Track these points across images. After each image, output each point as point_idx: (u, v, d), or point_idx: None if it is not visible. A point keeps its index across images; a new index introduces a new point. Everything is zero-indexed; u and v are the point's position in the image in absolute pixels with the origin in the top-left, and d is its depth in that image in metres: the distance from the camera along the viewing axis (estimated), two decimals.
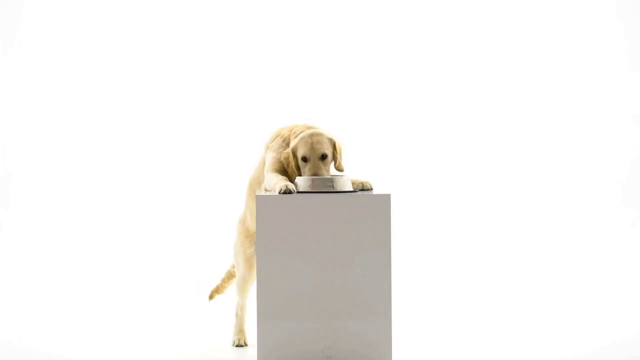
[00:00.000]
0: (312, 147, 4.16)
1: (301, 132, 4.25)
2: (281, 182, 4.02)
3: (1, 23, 6.94)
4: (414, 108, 7.11)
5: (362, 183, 4.14)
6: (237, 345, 4.58)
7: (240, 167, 5.43)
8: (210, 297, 4.88)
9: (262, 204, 3.92)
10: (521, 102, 7.13)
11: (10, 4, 6.95)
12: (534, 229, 6.91)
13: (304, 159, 4.17)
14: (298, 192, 4.00)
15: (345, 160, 4.32)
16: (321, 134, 4.20)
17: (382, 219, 3.93)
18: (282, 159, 4.24)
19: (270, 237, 3.92)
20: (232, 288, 4.78)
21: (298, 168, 4.20)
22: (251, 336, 4.54)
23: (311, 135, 4.19)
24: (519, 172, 7.08)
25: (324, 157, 4.17)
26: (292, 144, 4.22)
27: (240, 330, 4.63)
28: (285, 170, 4.23)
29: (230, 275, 4.80)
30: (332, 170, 4.29)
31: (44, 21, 6.97)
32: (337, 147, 4.23)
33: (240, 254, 4.51)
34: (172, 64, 7.04)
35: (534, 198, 7.04)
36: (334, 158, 4.24)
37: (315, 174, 4.13)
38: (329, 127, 4.31)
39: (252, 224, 4.43)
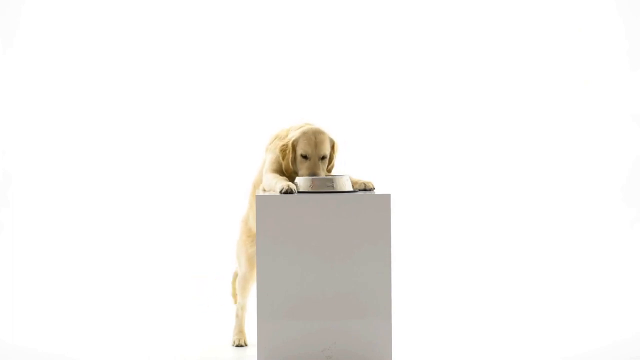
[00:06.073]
0: (315, 146, 4.15)
1: (301, 127, 4.24)
2: (282, 182, 4.02)
3: (1, 23, 6.94)
4: (413, 108, 7.11)
5: (364, 183, 4.13)
6: (237, 345, 4.58)
7: (243, 166, 5.44)
8: (235, 299, 4.72)
9: (262, 204, 3.92)
10: (521, 102, 7.13)
11: (10, 4, 6.95)
12: (534, 229, 6.91)
13: (304, 157, 4.16)
14: (298, 192, 4.00)
15: (338, 160, 4.32)
16: (324, 133, 4.19)
17: (382, 219, 3.93)
18: (279, 151, 4.21)
19: (270, 237, 3.92)
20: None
21: (294, 162, 4.19)
22: (251, 336, 4.54)
23: (314, 133, 4.17)
24: (519, 172, 7.08)
25: (323, 157, 4.18)
26: (291, 135, 4.20)
27: (240, 331, 4.63)
28: (283, 170, 4.23)
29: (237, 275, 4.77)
30: (333, 170, 4.31)
31: (44, 21, 6.97)
32: (335, 147, 4.24)
33: (242, 253, 4.51)
34: (174, 64, 7.03)
35: (534, 198, 7.04)
36: (331, 158, 4.25)
37: (313, 173, 4.13)
38: (325, 125, 4.30)
39: (254, 225, 4.41)
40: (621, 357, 4.44)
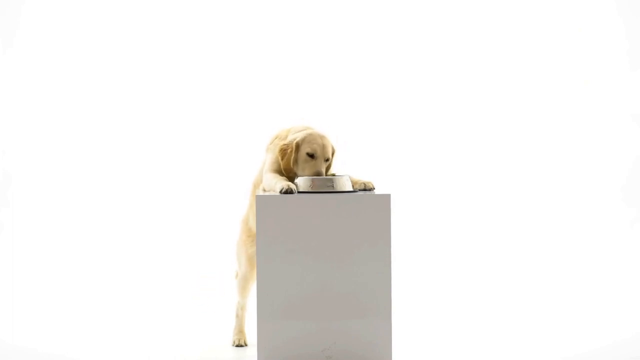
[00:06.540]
0: (323, 147, 4.19)
1: (302, 129, 4.26)
2: (282, 182, 4.03)
3: (1, 23, 6.94)
4: (413, 108, 7.11)
5: (364, 183, 4.15)
6: (237, 345, 4.58)
7: (243, 166, 5.44)
8: None
9: (262, 204, 3.92)
10: (521, 102, 7.13)
11: (10, 4, 6.95)
12: (534, 229, 6.91)
13: (311, 156, 4.17)
14: (298, 192, 4.00)
15: (338, 160, 4.35)
16: (328, 138, 4.25)
17: (382, 219, 3.93)
18: (278, 151, 4.24)
19: (270, 237, 3.92)
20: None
21: (295, 163, 4.20)
22: (251, 336, 4.54)
23: (320, 136, 4.22)
24: (519, 172, 7.08)
25: (326, 159, 4.21)
26: (295, 136, 4.22)
27: (240, 331, 4.63)
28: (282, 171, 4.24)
29: None
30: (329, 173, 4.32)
31: (44, 21, 6.97)
32: (334, 154, 4.28)
33: (242, 253, 4.52)
34: (175, 64, 7.03)
35: (534, 198, 7.04)
36: (329, 164, 4.28)
37: (318, 173, 4.14)
38: (325, 128, 4.33)
39: (254, 225, 4.42)
40: (621, 357, 4.44)
